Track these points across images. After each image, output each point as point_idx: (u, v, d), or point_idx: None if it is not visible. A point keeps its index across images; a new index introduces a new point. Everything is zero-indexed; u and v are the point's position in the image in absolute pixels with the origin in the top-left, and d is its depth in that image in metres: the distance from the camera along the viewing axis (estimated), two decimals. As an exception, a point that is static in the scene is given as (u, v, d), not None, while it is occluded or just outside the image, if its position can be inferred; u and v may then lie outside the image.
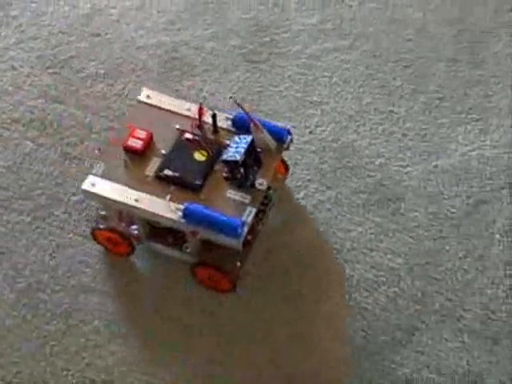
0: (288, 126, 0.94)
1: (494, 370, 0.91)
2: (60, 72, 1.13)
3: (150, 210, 0.86)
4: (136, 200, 0.87)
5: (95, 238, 0.95)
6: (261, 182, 0.89)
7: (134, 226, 0.91)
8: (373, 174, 1.06)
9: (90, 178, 0.88)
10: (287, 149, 0.93)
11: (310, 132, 1.08)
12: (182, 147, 0.90)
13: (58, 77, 1.12)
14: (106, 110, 1.09)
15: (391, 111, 1.12)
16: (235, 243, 0.86)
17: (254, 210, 0.87)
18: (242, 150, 0.87)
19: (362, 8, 1.23)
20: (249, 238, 0.90)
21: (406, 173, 1.06)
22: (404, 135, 1.10)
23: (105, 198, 0.88)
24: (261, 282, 0.95)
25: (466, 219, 1.02)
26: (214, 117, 0.91)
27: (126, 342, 0.90)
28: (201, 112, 0.91)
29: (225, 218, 0.85)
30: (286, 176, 1.02)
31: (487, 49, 1.19)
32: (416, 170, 1.06)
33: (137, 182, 0.88)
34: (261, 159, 0.90)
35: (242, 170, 0.87)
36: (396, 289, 0.96)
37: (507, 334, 0.93)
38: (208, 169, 0.89)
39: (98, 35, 1.17)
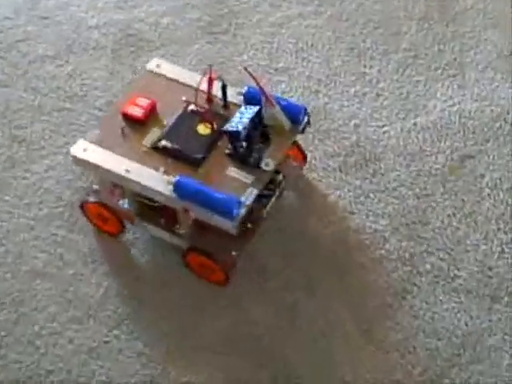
0: (305, 106, 0.84)
1: (495, 328, 0.82)
2: (6, 56, 1.05)
3: (140, 181, 0.78)
4: (127, 170, 0.79)
5: (84, 213, 0.87)
6: (267, 162, 0.80)
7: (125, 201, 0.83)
8: (347, 135, 0.98)
9: (81, 143, 0.81)
10: (302, 132, 0.84)
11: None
12: (185, 119, 0.82)
13: (4, 61, 1.05)
14: (56, 90, 1.02)
15: (363, 73, 1.05)
16: (230, 226, 0.76)
17: (256, 192, 0.78)
18: (246, 121, 0.78)
19: (325, -26, 1.17)
20: (249, 225, 0.81)
21: (383, 132, 0.98)
22: (378, 95, 1.02)
23: (94, 165, 0.80)
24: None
25: (451, 175, 0.94)
26: (223, 88, 0.83)
27: (86, 328, 0.81)
28: (210, 83, 0.83)
29: (220, 196, 0.76)
30: (303, 164, 0.93)
31: (457, 6, 1.13)
32: (394, 129, 0.99)
33: (131, 152, 0.80)
34: (269, 136, 0.81)
35: (244, 144, 0.79)
36: (382, 251, 0.88)
37: (506, 291, 0.84)
38: (211, 143, 0.81)
39: (47, 18, 1.10)
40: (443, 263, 0.87)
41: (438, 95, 1.03)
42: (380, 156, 0.96)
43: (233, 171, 0.79)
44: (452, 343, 0.81)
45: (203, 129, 0.81)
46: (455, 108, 1.01)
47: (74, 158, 0.81)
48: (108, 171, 0.79)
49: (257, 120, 0.80)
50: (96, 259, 0.86)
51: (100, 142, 0.81)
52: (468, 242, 0.88)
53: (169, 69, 0.88)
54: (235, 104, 0.84)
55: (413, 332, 0.82)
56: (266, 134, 0.81)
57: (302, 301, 0.84)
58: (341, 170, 0.95)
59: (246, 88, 0.84)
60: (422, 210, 0.91)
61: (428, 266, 0.87)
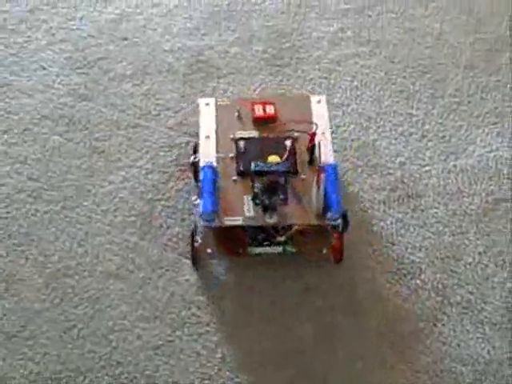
0: (344, 210, 0.89)
1: (515, 360, 0.92)
2: (88, 72, 1.16)
3: (202, 150, 0.92)
4: (206, 137, 0.93)
5: None
6: (271, 216, 0.88)
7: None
8: (393, 172, 1.08)
9: (211, 99, 0.97)
10: (333, 229, 0.89)
11: (332, 132, 1.10)
12: (276, 143, 0.92)
13: (87, 77, 1.15)
14: (132, 108, 1.12)
15: (410, 114, 1.15)
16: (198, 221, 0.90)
17: (239, 222, 0.88)
18: (267, 170, 0.87)
19: (381, 18, 1.27)
20: (239, 249, 0.92)
21: (425, 171, 1.08)
22: (423, 136, 1.12)
23: (199, 116, 0.96)
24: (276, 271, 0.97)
25: (485, 216, 1.04)
26: (312, 147, 0.92)
27: (152, 327, 0.92)
28: (313, 137, 0.92)
29: (209, 196, 0.87)
30: (334, 261, 0.96)
31: (502, 57, 1.22)
32: (435, 169, 1.09)
33: (224, 131, 0.93)
34: (287, 199, 0.88)
35: (256, 185, 0.88)
36: (417, 281, 0.97)
37: (528, 326, 0.94)
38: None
39: (126, 39, 1.21)
40: (472, 296, 0.97)
41: (478, 141, 1.12)
42: (421, 193, 1.06)
43: (246, 200, 0.89)
44: (475, 369, 0.91)
45: (273, 158, 0.91)
46: (492, 154, 1.11)
47: (198, 104, 0.96)
48: (199, 128, 0.94)
49: (282, 178, 0.88)
50: (163, 266, 0.97)
51: (221, 108, 0.95)
52: (495, 279, 0.98)
53: (319, 106, 0.98)
54: (317, 165, 0.91)
55: (441, 356, 0.91)
56: (285, 194, 0.88)
57: (341, 323, 0.93)
58: (385, 203, 1.05)
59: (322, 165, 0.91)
60: (456, 246, 1.01)
61: (458, 298, 0.96)
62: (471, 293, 0.97)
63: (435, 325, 0.94)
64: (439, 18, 1.27)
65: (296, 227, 0.91)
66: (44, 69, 1.16)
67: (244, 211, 0.89)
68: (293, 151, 0.92)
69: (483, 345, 0.93)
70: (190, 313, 0.93)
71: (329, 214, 0.88)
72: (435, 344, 0.92)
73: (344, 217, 0.90)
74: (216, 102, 0.97)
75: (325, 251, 0.94)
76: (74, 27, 1.21)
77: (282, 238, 0.92)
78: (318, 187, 0.88)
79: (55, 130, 1.09)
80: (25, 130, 1.08)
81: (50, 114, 1.11)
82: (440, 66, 1.21)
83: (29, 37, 1.19)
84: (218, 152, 0.92)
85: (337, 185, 0.90)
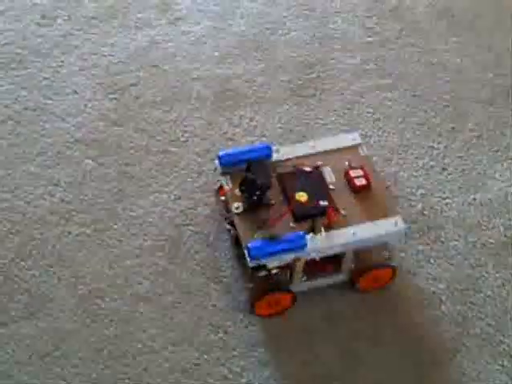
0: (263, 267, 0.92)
1: (532, 392, 0.94)
2: (120, 98, 1.19)
3: (293, 145, 1.05)
4: (311, 146, 1.03)
5: None
6: (238, 207, 0.95)
7: None
8: (414, 203, 1.11)
9: (356, 136, 1.05)
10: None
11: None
12: (320, 193, 0.96)
13: (118, 102, 1.19)
14: (161, 134, 1.15)
15: (431, 147, 1.18)
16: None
17: (225, 189, 0.96)
18: (251, 165, 0.96)
19: (403, 51, 1.30)
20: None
21: (446, 204, 1.11)
22: (443, 169, 1.15)
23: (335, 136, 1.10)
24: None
25: (504, 250, 1.07)
26: (313, 223, 0.94)
27: (180, 350, 0.94)
28: (331, 212, 0.94)
29: (238, 152, 0.99)
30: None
31: (522, 93, 1.26)
32: (455, 202, 1.11)
33: (325, 157, 1.01)
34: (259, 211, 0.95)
35: (246, 175, 0.95)
36: (437, 312, 1.00)
37: (545, 359, 0.97)
38: (281, 194, 0.96)
39: (156, 66, 1.24)
40: (490, 329, 0.99)
41: (497, 175, 1.15)
42: (441, 225, 1.09)
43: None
44: (493, 401, 0.94)
45: (300, 195, 0.95)
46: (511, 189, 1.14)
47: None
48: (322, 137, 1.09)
49: (255, 194, 0.94)
50: (191, 291, 0.99)
51: (350, 148, 1.04)
52: (514, 312, 1.01)
53: (391, 225, 0.97)
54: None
55: (460, 387, 0.94)
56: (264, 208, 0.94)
57: (365, 351, 0.96)
58: (406, 235, 1.07)
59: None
60: (475, 278, 1.04)
61: (477, 330, 0.99)
62: (490, 325, 0.99)
63: (455, 355, 0.97)
64: (460, 53, 1.31)
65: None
66: (76, 93, 1.19)
67: (233, 190, 0.96)
68: (319, 211, 0.94)
69: (501, 377, 0.95)
70: (217, 337, 0.96)
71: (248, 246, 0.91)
72: (454, 375, 0.95)
73: (257, 268, 0.92)
74: (358, 143, 1.04)
75: (251, 286, 0.97)
76: (106, 53, 1.25)
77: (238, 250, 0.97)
78: (269, 225, 0.93)
79: (87, 153, 1.12)
80: (58, 152, 1.12)
81: (82, 137, 1.14)
82: (461, 100, 1.24)
83: (62, 61, 1.23)
84: (294, 155, 1.00)
85: (284, 248, 0.91)
